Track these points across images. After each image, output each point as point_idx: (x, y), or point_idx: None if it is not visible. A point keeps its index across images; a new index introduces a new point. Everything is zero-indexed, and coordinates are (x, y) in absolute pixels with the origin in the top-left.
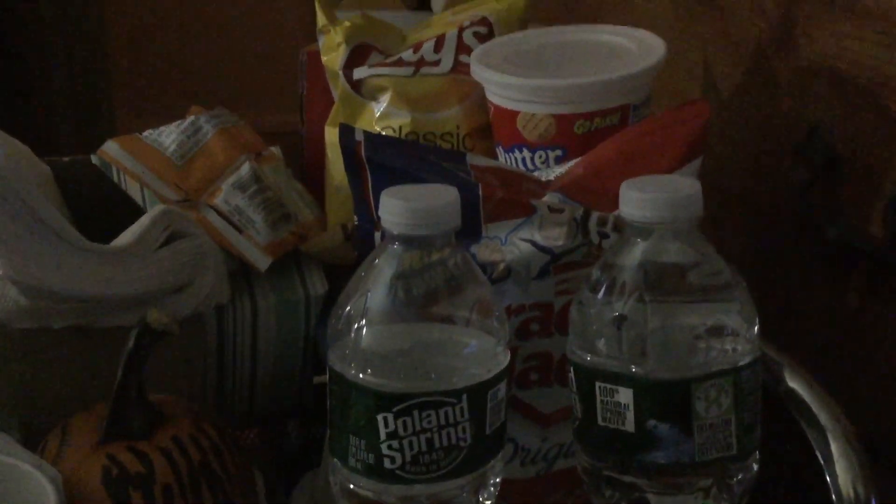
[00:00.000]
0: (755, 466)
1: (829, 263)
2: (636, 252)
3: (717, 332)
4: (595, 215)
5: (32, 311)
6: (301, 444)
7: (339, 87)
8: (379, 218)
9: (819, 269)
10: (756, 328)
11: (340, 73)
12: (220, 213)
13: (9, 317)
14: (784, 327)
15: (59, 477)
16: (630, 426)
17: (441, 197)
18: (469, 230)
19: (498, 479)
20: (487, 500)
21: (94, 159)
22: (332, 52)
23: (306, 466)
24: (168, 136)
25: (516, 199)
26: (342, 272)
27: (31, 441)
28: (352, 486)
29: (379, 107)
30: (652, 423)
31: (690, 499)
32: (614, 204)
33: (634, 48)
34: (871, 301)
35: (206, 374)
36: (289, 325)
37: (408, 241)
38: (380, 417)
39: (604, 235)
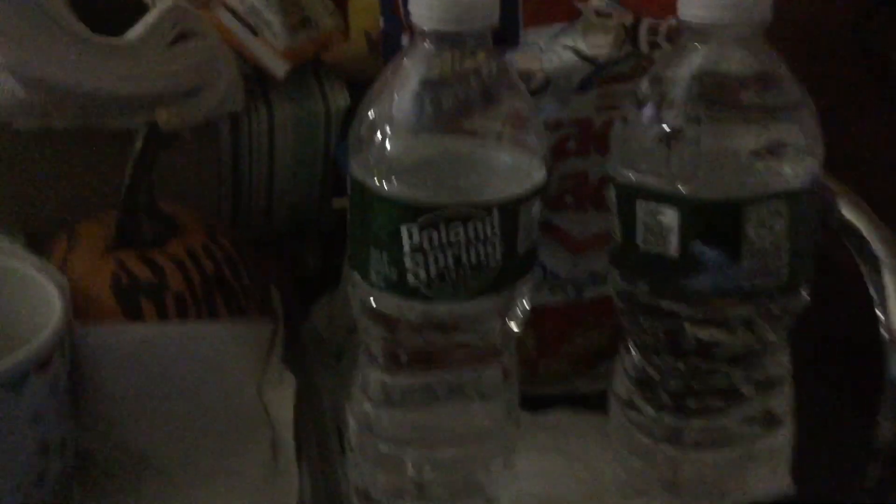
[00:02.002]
0: (804, 299)
1: (889, 90)
2: (693, 60)
3: (776, 150)
4: (646, 22)
5: (32, 105)
6: (319, 265)
7: None
8: (408, 15)
9: (877, 96)
10: (820, 153)
11: None
12: (233, 13)
13: (8, 112)
14: (838, 155)
15: (66, 282)
16: (673, 250)
17: None
18: (506, 35)
19: (526, 304)
20: (514, 324)
21: None
22: None
23: (324, 287)
24: None
25: None
26: (365, 86)
27: (35, 247)
28: (373, 302)
29: None
30: (698, 246)
31: (728, 331)
32: (668, 12)
33: None
34: None
35: (220, 187)
36: (307, 138)
37: (439, 39)
38: (403, 229)
39: (655, 45)
